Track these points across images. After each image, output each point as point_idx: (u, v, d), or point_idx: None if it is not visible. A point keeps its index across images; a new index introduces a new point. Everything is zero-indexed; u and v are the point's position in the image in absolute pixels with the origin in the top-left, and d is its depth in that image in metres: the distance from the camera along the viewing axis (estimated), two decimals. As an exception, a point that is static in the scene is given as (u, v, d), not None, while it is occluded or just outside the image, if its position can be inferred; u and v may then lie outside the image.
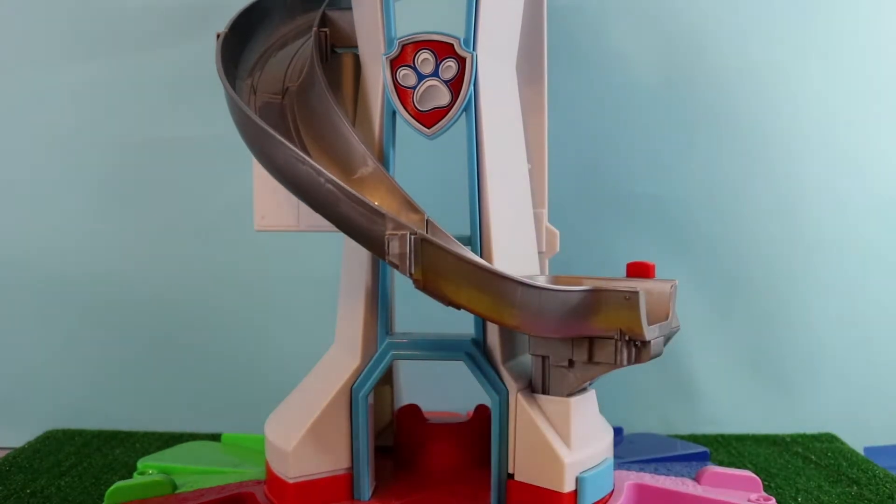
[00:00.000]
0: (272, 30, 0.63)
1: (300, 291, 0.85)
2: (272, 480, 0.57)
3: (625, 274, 0.56)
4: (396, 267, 0.48)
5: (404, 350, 0.56)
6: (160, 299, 0.86)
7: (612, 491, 0.56)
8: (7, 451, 0.80)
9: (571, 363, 0.52)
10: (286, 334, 0.85)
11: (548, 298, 0.48)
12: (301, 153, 0.50)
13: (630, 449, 0.72)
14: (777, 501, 0.56)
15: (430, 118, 0.54)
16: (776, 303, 0.83)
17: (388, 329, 0.56)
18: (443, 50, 0.54)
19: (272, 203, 0.59)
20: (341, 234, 0.52)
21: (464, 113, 0.54)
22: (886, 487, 0.67)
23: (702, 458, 0.70)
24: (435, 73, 0.54)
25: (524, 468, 0.53)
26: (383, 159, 0.55)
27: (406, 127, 0.55)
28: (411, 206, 0.53)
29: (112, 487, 0.59)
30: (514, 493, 0.53)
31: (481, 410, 0.63)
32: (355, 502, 0.56)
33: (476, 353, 0.55)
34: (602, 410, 0.58)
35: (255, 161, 0.56)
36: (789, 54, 0.81)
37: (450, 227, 0.53)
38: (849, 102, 0.81)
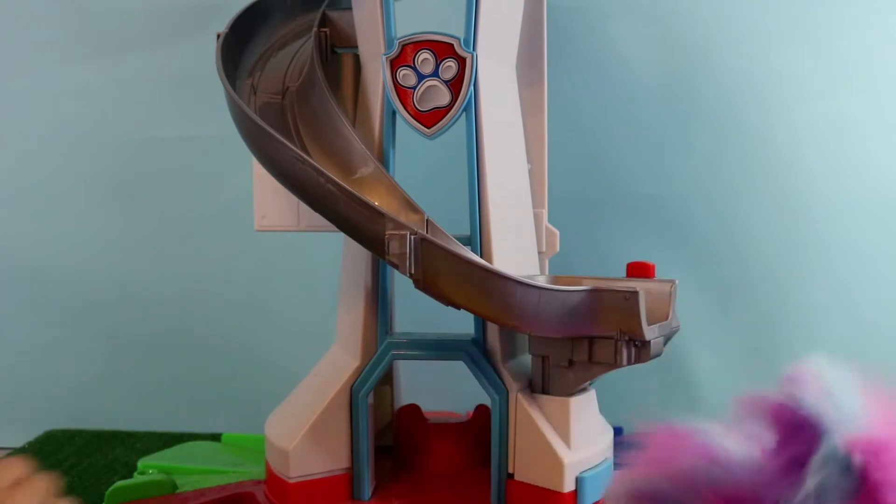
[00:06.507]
0: (272, 30, 0.63)
1: (300, 291, 0.85)
2: (272, 480, 0.57)
3: (625, 274, 0.56)
4: (396, 267, 0.48)
5: (404, 350, 0.56)
6: (160, 299, 0.86)
7: (612, 491, 0.56)
8: (7, 451, 0.80)
9: (571, 363, 0.52)
10: (286, 334, 0.85)
11: (547, 298, 0.48)
12: (301, 153, 0.50)
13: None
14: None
15: (430, 118, 0.54)
16: (776, 303, 0.83)
17: (388, 329, 0.56)
18: (443, 50, 0.54)
19: (272, 203, 0.59)
20: (341, 234, 0.52)
21: (464, 113, 0.54)
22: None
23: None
24: (435, 74, 0.54)
25: (524, 468, 0.53)
26: (383, 159, 0.55)
27: (406, 127, 0.55)
28: (411, 206, 0.53)
29: (112, 487, 0.60)
30: (514, 493, 0.53)
31: (481, 410, 0.63)
32: (355, 502, 0.56)
33: (476, 353, 0.55)
34: (602, 410, 0.58)
35: (255, 161, 0.56)
36: (789, 54, 0.81)
37: (450, 227, 0.53)
38: (848, 102, 0.81)
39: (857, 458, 0.36)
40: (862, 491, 0.35)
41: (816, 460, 0.36)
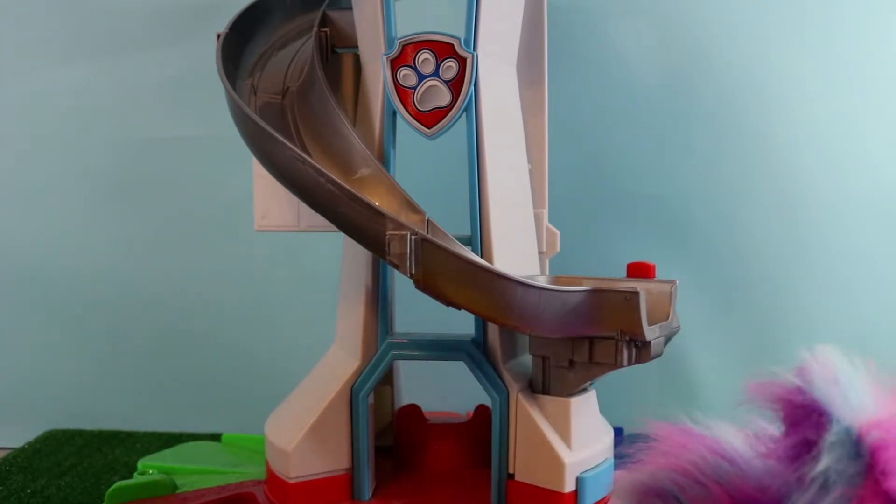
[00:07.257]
0: (272, 30, 0.63)
1: (300, 291, 0.85)
2: (272, 480, 0.57)
3: (625, 274, 0.56)
4: (397, 267, 0.48)
5: (404, 350, 0.56)
6: (160, 299, 0.86)
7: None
8: (7, 451, 0.80)
9: (572, 363, 0.52)
10: (286, 334, 0.85)
11: (548, 299, 0.48)
12: (301, 153, 0.50)
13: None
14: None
15: (430, 118, 0.54)
16: (776, 303, 0.83)
17: (388, 329, 0.56)
18: (443, 50, 0.54)
19: (272, 203, 0.59)
20: (341, 234, 0.52)
21: (464, 113, 0.54)
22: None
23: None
24: (435, 74, 0.54)
25: (524, 468, 0.53)
26: (383, 159, 0.55)
27: (406, 127, 0.55)
28: (411, 206, 0.53)
29: (112, 487, 0.59)
30: (514, 494, 0.53)
31: (481, 410, 0.63)
32: (355, 502, 0.56)
33: (476, 353, 0.55)
34: (602, 410, 0.58)
35: (255, 161, 0.56)
36: (789, 55, 0.81)
37: (450, 227, 0.53)
38: (848, 102, 0.81)
39: (868, 440, 0.36)
40: (869, 476, 0.35)
41: (826, 443, 0.36)
